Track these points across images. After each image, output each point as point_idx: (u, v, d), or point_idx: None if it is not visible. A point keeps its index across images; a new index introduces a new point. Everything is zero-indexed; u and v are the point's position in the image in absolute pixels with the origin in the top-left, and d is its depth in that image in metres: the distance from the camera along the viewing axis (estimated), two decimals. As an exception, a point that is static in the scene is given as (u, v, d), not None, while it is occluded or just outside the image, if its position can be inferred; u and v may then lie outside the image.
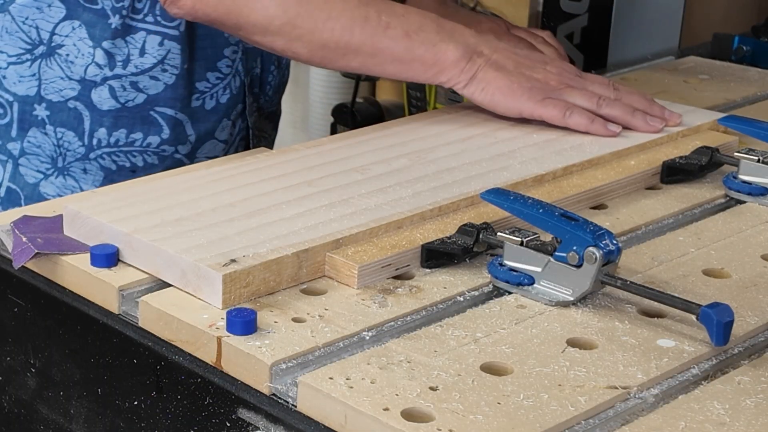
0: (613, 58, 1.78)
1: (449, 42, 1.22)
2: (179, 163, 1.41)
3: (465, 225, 0.98)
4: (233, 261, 0.90)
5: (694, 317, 0.85)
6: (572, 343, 0.86)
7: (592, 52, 1.81)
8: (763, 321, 0.89)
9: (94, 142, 1.38)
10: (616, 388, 0.79)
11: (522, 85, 1.23)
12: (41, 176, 1.40)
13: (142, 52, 1.35)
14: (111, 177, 1.39)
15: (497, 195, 0.98)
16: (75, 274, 0.95)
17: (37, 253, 0.97)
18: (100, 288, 0.93)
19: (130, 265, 0.95)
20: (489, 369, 0.81)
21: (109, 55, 1.35)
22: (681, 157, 1.19)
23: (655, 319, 0.89)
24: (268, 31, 1.20)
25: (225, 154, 1.45)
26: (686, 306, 0.86)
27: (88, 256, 0.96)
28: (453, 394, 0.78)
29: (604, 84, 1.28)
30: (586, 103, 1.24)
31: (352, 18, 1.20)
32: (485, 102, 1.24)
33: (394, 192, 1.06)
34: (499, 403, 0.77)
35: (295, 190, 1.05)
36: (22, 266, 0.97)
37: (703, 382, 0.82)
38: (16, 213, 1.05)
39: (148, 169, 1.39)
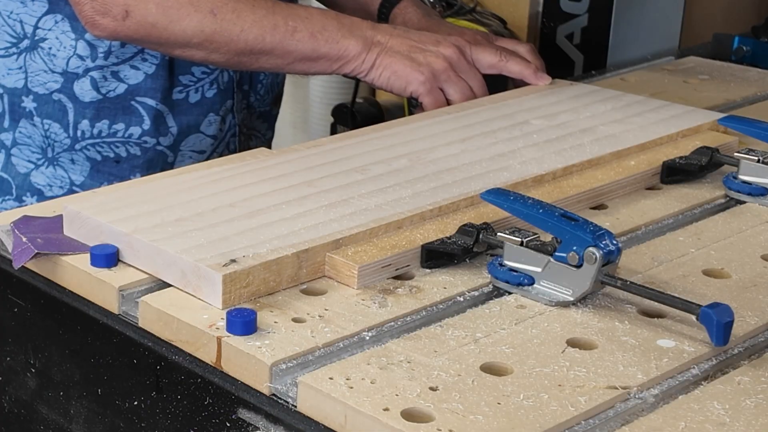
0: (613, 58, 1.78)
1: (350, 38, 1.33)
2: (162, 155, 1.43)
3: (465, 225, 0.98)
4: (233, 261, 0.90)
5: (694, 317, 0.85)
6: (572, 343, 0.85)
7: (592, 52, 1.81)
8: (763, 321, 0.89)
9: (79, 133, 1.40)
10: (616, 388, 0.79)
11: (413, 69, 1.34)
12: (32, 166, 1.42)
13: (123, 42, 1.36)
14: (97, 167, 1.42)
15: (497, 195, 0.98)
16: (75, 274, 0.95)
17: (37, 253, 0.97)
18: (100, 288, 0.93)
19: (130, 266, 0.95)
20: (489, 369, 0.81)
21: (92, 47, 1.37)
22: (681, 157, 1.19)
23: (655, 319, 0.89)
24: (187, 46, 1.30)
25: (214, 150, 1.47)
26: (686, 306, 0.86)
27: (88, 256, 0.96)
28: (453, 395, 0.78)
29: (491, 52, 1.41)
30: (459, 98, 1.36)
31: (262, 27, 1.29)
32: (383, 85, 1.36)
33: (394, 192, 1.06)
34: (499, 403, 0.77)
35: (295, 191, 1.05)
36: (22, 266, 0.97)
37: (703, 383, 0.82)
38: (16, 213, 1.05)
39: (132, 160, 1.42)
